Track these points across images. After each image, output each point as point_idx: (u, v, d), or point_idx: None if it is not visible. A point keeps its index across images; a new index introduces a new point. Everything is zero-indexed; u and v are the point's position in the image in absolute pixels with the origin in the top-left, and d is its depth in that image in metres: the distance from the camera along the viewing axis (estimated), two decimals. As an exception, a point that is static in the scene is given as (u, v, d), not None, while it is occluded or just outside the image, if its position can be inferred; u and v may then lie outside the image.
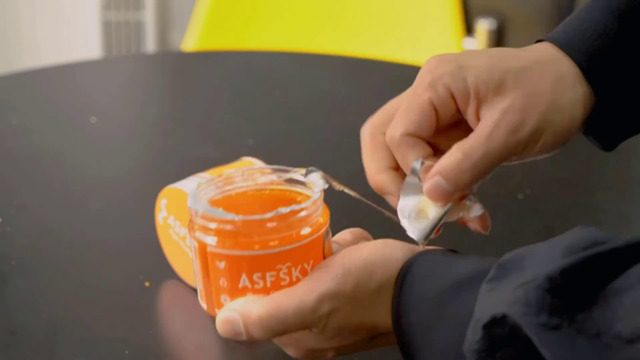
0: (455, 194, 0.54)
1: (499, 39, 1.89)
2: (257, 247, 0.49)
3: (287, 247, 0.49)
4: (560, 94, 0.53)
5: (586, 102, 0.55)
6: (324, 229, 0.52)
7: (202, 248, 0.50)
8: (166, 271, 0.73)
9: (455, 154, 0.53)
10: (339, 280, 0.48)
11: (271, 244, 0.49)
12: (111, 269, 0.74)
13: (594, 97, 0.55)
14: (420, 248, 0.51)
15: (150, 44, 2.33)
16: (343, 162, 0.95)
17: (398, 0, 1.71)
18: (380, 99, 1.11)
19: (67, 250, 0.77)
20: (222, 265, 0.50)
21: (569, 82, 0.54)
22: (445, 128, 0.56)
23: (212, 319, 0.70)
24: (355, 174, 0.93)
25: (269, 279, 0.50)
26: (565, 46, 0.55)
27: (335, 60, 1.22)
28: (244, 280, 0.50)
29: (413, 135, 0.54)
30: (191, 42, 1.63)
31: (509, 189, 0.92)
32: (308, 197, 0.53)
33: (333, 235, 0.54)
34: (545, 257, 0.43)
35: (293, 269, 0.50)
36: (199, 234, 0.51)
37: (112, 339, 0.66)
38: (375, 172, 0.56)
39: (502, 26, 1.88)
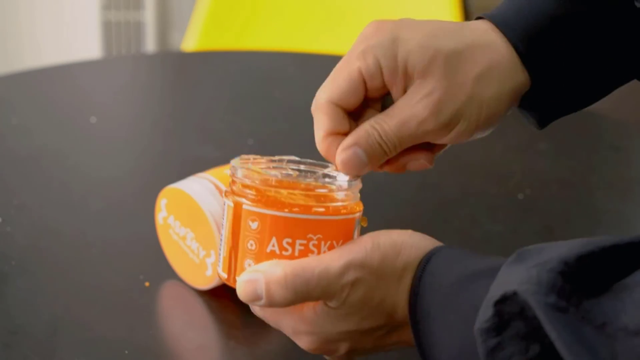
0: (368, 167, 0.54)
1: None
2: (293, 209, 0.49)
3: (321, 217, 0.49)
4: (482, 88, 0.53)
5: (517, 90, 0.55)
6: (357, 214, 0.52)
7: (238, 207, 0.50)
8: (166, 271, 0.73)
9: (369, 128, 0.54)
10: (367, 252, 0.49)
11: (306, 209, 0.49)
12: (111, 269, 0.74)
13: (529, 80, 0.55)
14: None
15: (150, 44, 2.33)
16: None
17: (398, 1, 1.71)
18: (380, 99, 1.11)
19: (67, 250, 0.77)
20: (254, 225, 0.49)
21: (497, 73, 0.54)
22: (372, 99, 0.56)
23: (212, 319, 0.70)
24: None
25: (297, 247, 0.49)
26: (502, 25, 0.55)
27: (335, 60, 1.21)
28: (272, 245, 0.49)
29: (336, 104, 0.55)
30: (191, 42, 1.63)
31: (509, 189, 0.92)
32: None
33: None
34: (564, 246, 0.44)
35: (323, 242, 0.50)
36: (233, 197, 0.51)
37: (112, 339, 0.66)
38: (319, 138, 0.55)
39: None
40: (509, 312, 0.42)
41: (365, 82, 0.54)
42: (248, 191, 0.50)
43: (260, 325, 0.69)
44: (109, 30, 2.31)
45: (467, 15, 1.87)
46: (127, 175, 0.92)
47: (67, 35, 2.30)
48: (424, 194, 0.90)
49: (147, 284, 0.72)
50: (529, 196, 0.90)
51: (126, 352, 0.65)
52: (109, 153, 0.96)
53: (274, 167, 0.55)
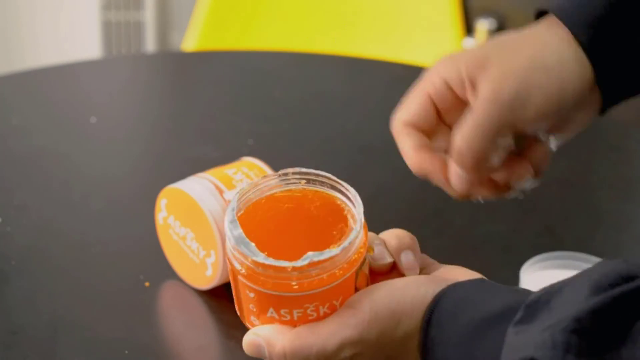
0: (473, 176, 0.57)
1: (499, 39, 1.89)
2: (284, 288, 0.48)
3: (316, 291, 0.48)
4: (542, 53, 0.55)
5: (580, 64, 0.56)
6: (357, 265, 0.50)
7: (234, 273, 0.50)
8: (166, 271, 0.73)
9: (456, 136, 0.57)
10: (364, 327, 0.48)
11: (297, 287, 0.48)
12: (111, 269, 0.74)
13: (592, 69, 0.56)
14: (448, 282, 0.50)
15: (150, 44, 2.33)
16: (343, 162, 0.95)
17: (398, 0, 1.71)
18: (380, 99, 1.11)
19: (67, 250, 0.77)
20: (251, 295, 0.49)
21: (554, 46, 0.56)
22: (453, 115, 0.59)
23: (212, 319, 0.70)
24: (355, 174, 0.93)
25: (295, 315, 0.49)
26: (561, 13, 0.57)
27: (335, 60, 1.22)
28: (271, 312, 0.49)
29: (411, 124, 0.59)
30: (191, 42, 1.63)
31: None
32: (350, 212, 0.51)
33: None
34: (572, 296, 0.43)
35: (321, 307, 0.49)
36: (232, 258, 0.50)
37: (112, 339, 0.66)
38: (408, 156, 0.59)
39: (502, 26, 1.88)
40: None
41: (434, 104, 0.58)
42: (241, 265, 0.49)
43: (260, 325, 0.69)
44: (109, 30, 2.30)
45: (467, 15, 1.87)
46: (127, 175, 0.92)
47: (67, 35, 2.30)
48: (424, 194, 0.90)
49: (147, 284, 0.72)
50: (529, 196, 0.90)
51: (126, 352, 0.65)
52: (109, 153, 0.96)
53: (282, 182, 0.53)
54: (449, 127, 0.59)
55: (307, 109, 1.07)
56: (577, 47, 0.56)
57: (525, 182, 0.60)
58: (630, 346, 0.40)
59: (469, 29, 1.86)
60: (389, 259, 0.52)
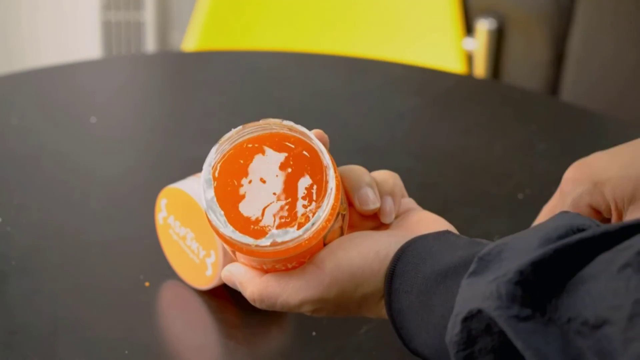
0: None
1: (499, 39, 1.88)
2: (250, 254, 0.51)
3: (283, 257, 0.51)
4: None
5: None
6: (325, 232, 0.51)
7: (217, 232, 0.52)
8: (166, 271, 0.73)
9: None
10: (324, 287, 0.51)
11: (262, 254, 0.51)
12: (111, 269, 0.74)
13: None
14: (412, 236, 0.53)
15: (150, 44, 2.33)
16: (343, 162, 0.95)
17: (398, 1, 1.71)
18: (380, 99, 1.11)
19: (67, 250, 0.77)
20: (225, 245, 0.52)
21: None
22: None
23: (212, 319, 0.70)
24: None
25: (265, 267, 0.53)
26: None
27: (335, 60, 1.22)
28: (244, 259, 0.53)
29: None
30: (191, 42, 1.63)
31: (509, 189, 0.92)
32: (327, 170, 0.52)
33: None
34: (521, 248, 0.45)
35: (288, 264, 0.52)
36: (215, 224, 0.51)
37: (112, 338, 0.66)
38: None
39: (502, 26, 1.88)
40: (476, 328, 0.44)
41: None
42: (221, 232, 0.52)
43: (260, 325, 0.69)
44: (109, 30, 2.30)
45: (467, 15, 1.87)
46: (127, 175, 0.92)
47: (68, 35, 2.30)
48: (424, 194, 0.90)
49: (147, 284, 0.72)
50: (529, 196, 0.90)
51: (126, 352, 0.65)
52: (109, 153, 0.96)
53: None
54: None
55: (307, 109, 1.07)
56: None
57: None
58: (570, 294, 0.42)
59: (469, 29, 1.86)
60: (373, 206, 0.55)
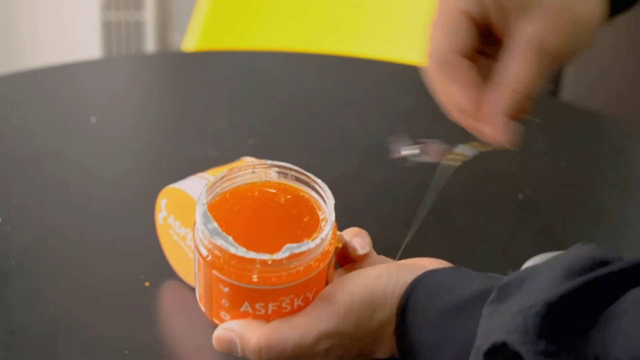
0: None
1: (499, 39, 1.88)
2: (261, 282, 0.48)
3: (293, 283, 0.49)
4: (582, 4, 0.54)
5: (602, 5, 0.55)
6: (330, 256, 0.50)
7: (207, 267, 0.49)
8: (166, 271, 0.73)
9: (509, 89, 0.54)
10: (339, 318, 0.48)
11: (275, 279, 0.48)
12: (111, 269, 0.74)
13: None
14: (421, 270, 0.50)
15: (150, 44, 2.33)
16: (343, 162, 0.95)
17: (398, 1, 1.71)
18: (380, 99, 1.11)
19: (67, 250, 0.77)
20: (225, 289, 0.49)
21: None
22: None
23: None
24: (355, 174, 0.93)
25: (270, 308, 0.49)
26: None
27: (335, 60, 1.22)
28: (245, 307, 0.49)
29: (462, 53, 0.53)
30: (191, 42, 1.63)
31: (509, 189, 0.92)
32: (317, 204, 0.52)
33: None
34: (545, 280, 0.43)
35: (296, 299, 0.49)
36: (204, 252, 0.49)
37: (112, 339, 0.66)
38: (465, 100, 0.55)
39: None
40: None
41: (477, 26, 0.53)
42: (215, 258, 0.49)
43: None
44: (109, 30, 2.30)
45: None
46: (127, 175, 0.92)
47: (68, 35, 2.30)
48: (424, 194, 0.90)
49: (147, 284, 0.72)
50: (529, 196, 0.90)
51: (126, 352, 0.65)
52: (109, 153, 0.96)
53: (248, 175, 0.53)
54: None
55: (307, 109, 1.07)
56: None
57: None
58: (600, 331, 0.41)
59: (469, 29, 1.86)
60: (363, 251, 0.53)
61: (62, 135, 0.98)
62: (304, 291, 0.49)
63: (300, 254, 0.48)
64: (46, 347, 0.65)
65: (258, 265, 0.47)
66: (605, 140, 1.07)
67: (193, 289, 0.72)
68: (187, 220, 0.70)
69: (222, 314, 0.50)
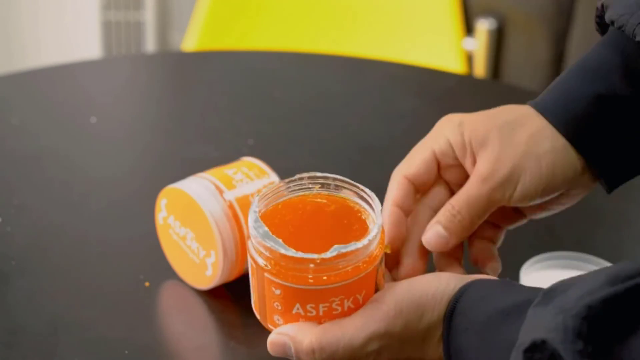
0: (451, 241, 0.58)
1: (499, 39, 1.88)
2: (311, 282, 0.50)
3: (342, 283, 0.50)
4: (537, 144, 0.58)
5: (571, 154, 0.59)
6: (379, 260, 0.52)
7: (260, 271, 0.51)
8: (166, 271, 0.73)
9: (447, 204, 0.59)
10: (389, 320, 0.50)
11: (325, 279, 0.50)
12: (111, 269, 0.74)
13: (583, 159, 0.59)
14: (473, 277, 0.53)
15: (150, 44, 2.33)
16: (343, 162, 0.95)
17: (398, 1, 1.71)
18: (380, 99, 1.11)
19: (67, 250, 0.77)
20: (277, 292, 0.51)
21: (548, 132, 0.59)
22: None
23: (212, 319, 0.70)
24: (355, 174, 0.93)
25: (321, 310, 0.51)
26: (544, 111, 0.60)
27: (335, 60, 1.22)
28: (297, 308, 0.51)
29: (410, 180, 0.60)
30: (191, 42, 1.63)
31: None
32: (365, 212, 0.54)
33: None
34: (588, 285, 0.44)
35: (345, 300, 0.51)
36: (256, 256, 0.51)
37: (112, 339, 0.66)
38: (387, 206, 0.60)
39: (502, 26, 1.88)
40: (539, 359, 0.43)
41: (438, 162, 0.59)
42: (266, 261, 0.51)
43: (260, 325, 0.69)
44: (109, 30, 2.30)
45: (467, 15, 1.87)
46: (127, 175, 0.92)
47: (68, 35, 2.30)
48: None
49: (147, 284, 0.72)
50: (529, 196, 0.90)
51: (126, 352, 0.65)
52: (109, 153, 0.96)
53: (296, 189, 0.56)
54: (446, 183, 0.61)
55: (307, 109, 1.07)
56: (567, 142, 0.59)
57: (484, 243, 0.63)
58: (637, 343, 0.41)
59: (469, 29, 1.86)
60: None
61: (62, 136, 0.98)
62: (353, 292, 0.51)
63: (348, 253, 0.50)
64: (46, 347, 0.65)
65: (308, 265, 0.49)
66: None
67: (193, 289, 0.72)
68: (187, 220, 0.70)
69: (276, 318, 0.52)
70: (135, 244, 0.78)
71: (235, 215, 0.68)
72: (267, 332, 0.68)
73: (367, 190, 0.55)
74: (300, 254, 0.49)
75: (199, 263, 0.70)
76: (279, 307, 0.52)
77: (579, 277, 0.46)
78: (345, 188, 0.55)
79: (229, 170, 0.72)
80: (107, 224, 0.81)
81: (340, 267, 0.50)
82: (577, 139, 0.58)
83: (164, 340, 0.68)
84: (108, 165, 0.93)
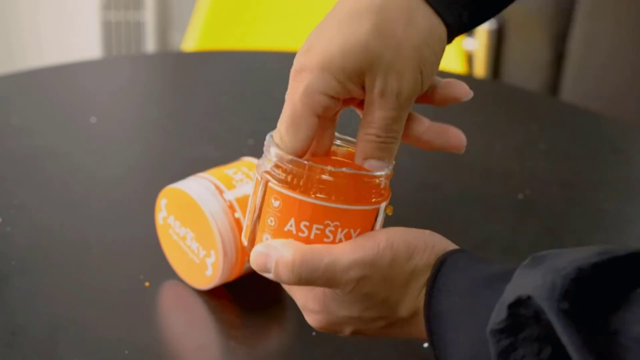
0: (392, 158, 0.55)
1: (499, 39, 1.89)
2: (313, 195, 0.50)
3: (341, 206, 0.50)
4: (425, 35, 0.53)
5: (441, 28, 0.54)
6: (382, 205, 0.52)
7: (265, 183, 0.51)
8: (166, 271, 0.73)
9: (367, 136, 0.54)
10: (378, 250, 0.49)
11: (326, 196, 0.50)
12: (111, 269, 0.74)
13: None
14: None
15: (150, 44, 2.34)
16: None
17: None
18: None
19: (67, 250, 0.77)
20: (276, 203, 0.51)
21: (424, 13, 0.52)
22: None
23: (212, 319, 0.70)
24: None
25: (314, 231, 0.50)
26: None
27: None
28: (290, 225, 0.51)
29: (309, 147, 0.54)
30: (191, 42, 1.64)
31: (509, 189, 0.92)
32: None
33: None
34: (580, 253, 0.44)
35: (340, 229, 0.51)
36: (261, 168, 0.52)
37: (112, 339, 0.66)
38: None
39: (502, 26, 1.88)
40: (523, 315, 0.43)
41: (320, 118, 0.54)
42: (276, 170, 0.51)
43: (260, 325, 0.69)
44: (109, 30, 2.31)
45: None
46: (127, 175, 0.92)
47: (68, 35, 2.30)
48: (424, 194, 0.90)
49: (147, 284, 0.72)
50: (529, 196, 0.90)
51: (126, 352, 0.65)
52: (109, 153, 0.96)
53: None
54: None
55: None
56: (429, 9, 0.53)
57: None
58: (624, 307, 0.42)
59: None
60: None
61: (62, 135, 0.98)
62: (349, 225, 0.51)
63: (356, 176, 0.50)
64: (46, 347, 0.65)
65: (313, 174, 0.50)
66: (605, 140, 1.07)
67: (193, 289, 0.72)
68: (187, 220, 0.70)
69: (265, 236, 0.52)
70: (135, 244, 0.78)
71: (235, 215, 0.68)
72: (267, 332, 0.69)
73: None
74: (306, 162, 0.50)
75: (199, 263, 0.70)
76: (272, 223, 0.51)
77: (570, 248, 0.46)
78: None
79: (229, 170, 0.72)
80: (107, 224, 0.81)
81: (344, 188, 0.50)
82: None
83: (164, 340, 0.68)
84: (108, 165, 0.93)
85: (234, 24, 1.70)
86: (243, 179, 0.71)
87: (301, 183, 0.50)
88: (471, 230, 0.84)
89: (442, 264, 0.50)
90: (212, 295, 0.71)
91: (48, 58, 2.27)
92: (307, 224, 0.50)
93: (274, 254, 0.50)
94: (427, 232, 0.52)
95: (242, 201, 0.69)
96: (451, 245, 0.53)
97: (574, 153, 1.01)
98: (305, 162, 0.50)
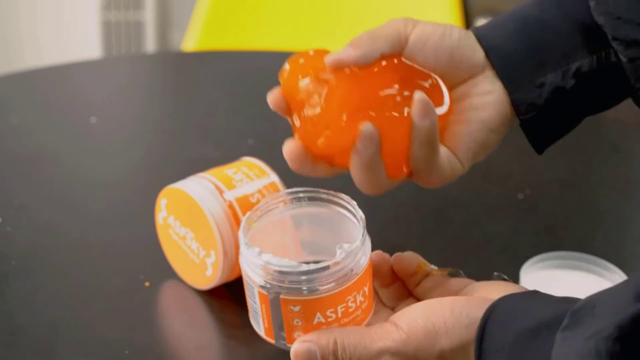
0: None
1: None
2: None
3: (348, 284, 0.53)
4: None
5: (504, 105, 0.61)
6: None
7: (274, 295, 0.53)
8: (166, 271, 0.73)
9: None
10: (402, 341, 0.51)
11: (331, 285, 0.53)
12: (111, 269, 0.74)
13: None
14: (488, 301, 0.52)
15: (150, 44, 2.33)
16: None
17: (398, 1, 1.71)
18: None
19: (67, 250, 0.77)
20: (296, 309, 0.53)
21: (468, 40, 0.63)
22: None
23: (212, 319, 0.70)
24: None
25: (340, 311, 0.54)
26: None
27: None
28: (318, 318, 0.53)
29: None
30: (191, 42, 1.63)
31: (509, 189, 0.92)
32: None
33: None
34: (615, 302, 0.44)
35: (357, 296, 0.54)
36: (270, 285, 0.53)
37: (112, 339, 0.66)
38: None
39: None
40: None
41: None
42: (282, 282, 0.53)
43: (260, 325, 0.69)
44: (109, 30, 2.30)
45: (467, 15, 1.87)
46: (127, 175, 0.92)
47: (67, 35, 2.30)
48: (424, 194, 0.90)
49: (147, 284, 0.72)
50: (529, 196, 0.90)
51: (126, 352, 0.65)
52: (109, 153, 0.96)
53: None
54: None
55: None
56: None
57: None
58: None
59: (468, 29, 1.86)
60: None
61: (62, 136, 0.98)
62: (361, 286, 0.54)
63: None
64: (46, 347, 0.65)
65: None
66: (605, 140, 1.07)
67: (193, 289, 0.72)
68: (187, 220, 0.70)
69: (296, 334, 0.54)
70: (135, 244, 0.78)
71: (235, 215, 0.68)
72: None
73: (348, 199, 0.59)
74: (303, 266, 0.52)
75: (199, 263, 0.70)
76: (299, 323, 0.53)
77: (604, 292, 0.46)
78: (328, 200, 0.60)
79: (229, 170, 0.72)
80: (107, 224, 0.81)
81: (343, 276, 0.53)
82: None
83: (164, 340, 0.68)
84: (108, 165, 0.93)
85: (234, 24, 1.70)
86: (243, 179, 0.71)
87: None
88: (471, 230, 0.84)
89: (484, 326, 0.50)
90: (212, 295, 0.71)
91: (48, 58, 2.27)
92: (332, 309, 0.53)
93: (315, 346, 0.53)
94: (447, 306, 0.52)
95: (242, 201, 0.69)
96: (478, 305, 0.52)
97: (574, 153, 1.01)
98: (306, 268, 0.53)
